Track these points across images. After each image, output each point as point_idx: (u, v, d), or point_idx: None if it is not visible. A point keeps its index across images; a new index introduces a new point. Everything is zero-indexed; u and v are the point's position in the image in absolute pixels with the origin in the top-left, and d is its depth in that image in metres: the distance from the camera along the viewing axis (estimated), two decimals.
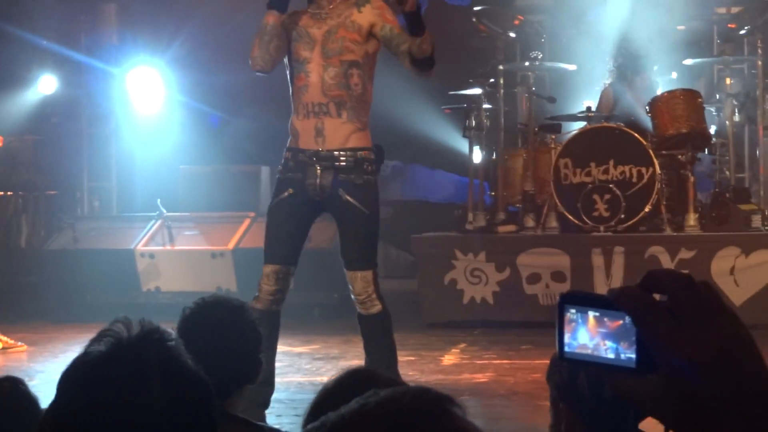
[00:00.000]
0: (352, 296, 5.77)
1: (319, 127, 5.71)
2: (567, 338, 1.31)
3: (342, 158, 5.72)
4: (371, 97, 5.83)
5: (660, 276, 1.29)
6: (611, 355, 1.29)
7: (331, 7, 5.74)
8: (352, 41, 5.70)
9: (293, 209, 5.77)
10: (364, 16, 5.67)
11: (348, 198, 5.70)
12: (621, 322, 1.28)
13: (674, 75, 11.12)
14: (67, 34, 12.59)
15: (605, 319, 1.29)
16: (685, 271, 1.29)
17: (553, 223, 9.92)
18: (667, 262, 9.25)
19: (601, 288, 9.30)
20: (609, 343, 1.29)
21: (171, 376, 1.75)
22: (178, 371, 1.77)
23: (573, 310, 1.31)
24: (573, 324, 1.30)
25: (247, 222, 11.05)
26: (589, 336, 1.30)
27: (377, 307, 5.74)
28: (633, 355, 1.27)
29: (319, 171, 5.72)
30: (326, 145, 5.73)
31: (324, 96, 5.70)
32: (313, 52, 5.72)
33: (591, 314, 1.30)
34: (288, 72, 5.84)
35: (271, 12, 5.66)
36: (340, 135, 5.72)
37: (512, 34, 11.01)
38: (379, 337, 5.74)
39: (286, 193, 5.77)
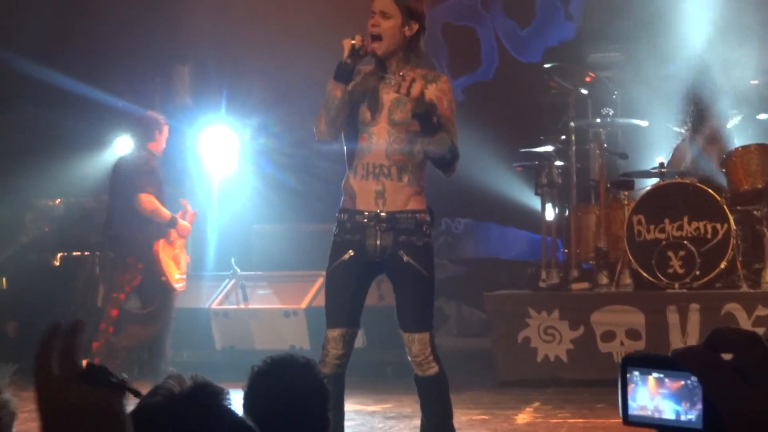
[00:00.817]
0: (409, 357, 5.76)
1: (380, 189, 5.71)
2: (628, 401, 1.30)
3: (403, 220, 5.72)
4: (428, 164, 5.85)
5: (726, 334, 1.27)
6: (672, 416, 1.27)
7: (402, 75, 5.73)
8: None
9: (354, 271, 5.76)
10: (431, 92, 5.69)
11: (409, 260, 5.70)
12: (682, 382, 1.27)
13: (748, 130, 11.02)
14: (142, 96, 12.79)
15: (666, 380, 1.28)
16: (753, 329, 1.27)
17: (627, 280, 9.84)
18: (743, 320, 9.12)
19: (677, 345, 9.21)
20: (671, 404, 1.27)
21: (222, 430, 1.76)
22: (231, 426, 1.78)
23: (636, 372, 1.30)
24: (633, 386, 1.29)
25: (320, 281, 11.07)
26: (649, 397, 1.28)
27: (434, 369, 5.73)
28: (693, 416, 1.26)
29: (379, 232, 5.72)
30: (387, 206, 5.72)
31: (387, 159, 5.71)
32: (379, 116, 5.74)
33: (652, 375, 1.29)
34: (349, 131, 5.82)
35: (338, 85, 5.67)
36: (400, 197, 5.72)
37: (584, 91, 11.00)
38: (435, 399, 5.74)
39: (346, 256, 5.74)
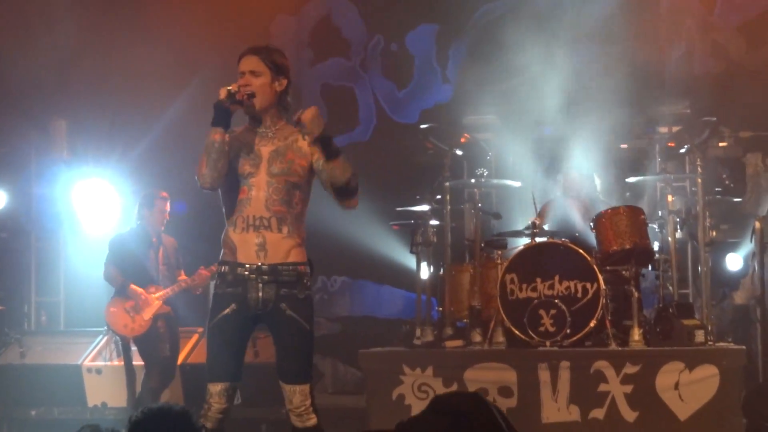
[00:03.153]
0: (288, 408, 5.79)
1: (261, 241, 5.76)
2: None
3: (284, 272, 5.76)
4: (305, 216, 5.92)
5: (449, 399, 1.39)
6: None
7: (277, 128, 5.89)
8: (300, 166, 5.82)
9: (236, 325, 5.77)
10: (307, 144, 5.82)
11: (291, 313, 5.74)
12: None
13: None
14: (18, 150, 12.65)
15: None
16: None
17: (500, 338, 9.98)
18: (612, 377, 9.31)
19: (548, 402, 9.36)
20: None
21: None
22: None
23: None
24: None
25: (195, 337, 11.05)
26: None
27: (313, 420, 5.81)
28: None
29: (261, 285, 5.75)
30: (268, 259, 5.76)
31: (267, 210, 5.77)
32: (258, 168, 5.81)
33: None
34: (227, 183, 5.86)
35: (217, 130, 5.74)
36: (281, 249, 5.77)
37: (458, 152, 11.18)
38: None
39: (228, 309, 5.77)
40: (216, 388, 5.74)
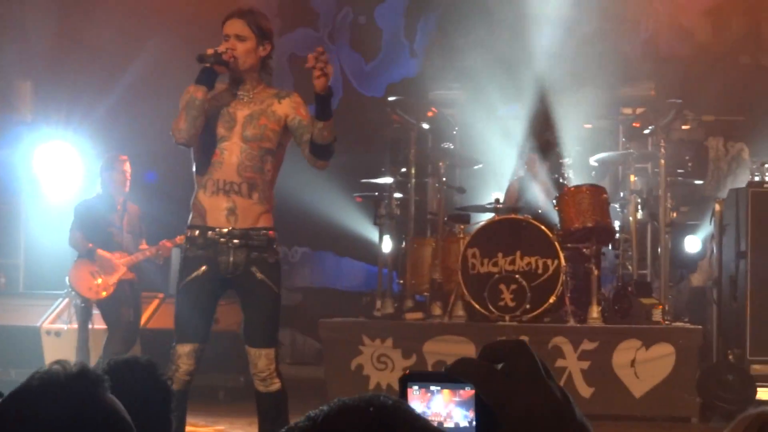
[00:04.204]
0: (253, 373, 5.80)
1: (231, 206, 5.77)
2: (420, 410, 1.42)
3: (255, 237, 5.78)
4: (275, 181, 5.93)
5: (495, 345, 1.43)
6: (463, 422, 1.41)
7: (255, 92, 5.87)
8: (272, 130, 5.82)
9: (206, 286, 5.79)
10: (283, 108, 5.83)
11: (262, 277, 5.77)
12: (471, 392, 1.41)
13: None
14: None
15: (459, 391, 1.41)
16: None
17: (460, 311, 10.05)
18: (569, 353, 9.40)
19: None
20: (460, 411, 1.41)
21: (99, 417, 1.82)
22: (107, 415, 1.84)
23: (416, 387, 1.42)
24: (428, 395, 1.42)
25: (155, 302, 11.03)
26: (443, 405, 1.41)
27: (277, 385, 5.81)
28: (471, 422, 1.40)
29: (232, 249, 5.77)
30: (238, 223, 5.78)
31: (238, 176, 5.77)
32: (232, 132, 5.81)
33: (439, 387, 1.42)
34: (199, 145, 5.86)
35: (200, 87, 5.72)
36: (251, 214, 5.79)
37: (425, 126, 11.22)
38: (275, 416, 5.77)
39: (199, 272, 5.77)
40: (185, 349, 5.75)
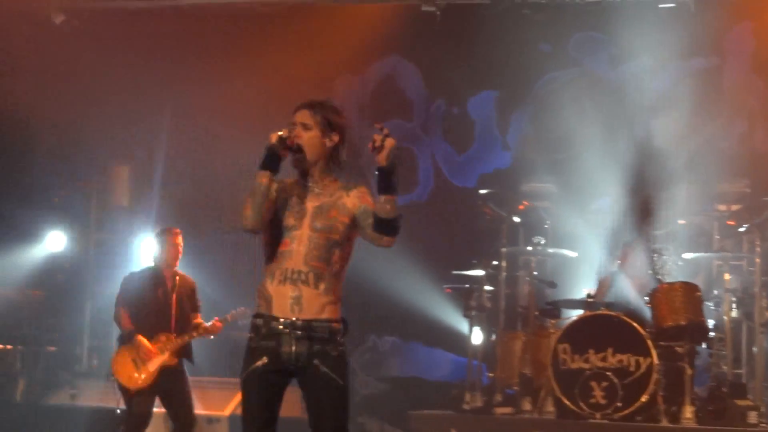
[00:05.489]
0: None
1: (297, 295, 5.74)
2: None
3: (318, 329, 5.72)
4: (344, 276, 5.93)
5: None
6: None
7: (324, 183, 5.92)
8: (342, 223, 5.86)
9: (268, 378, 5.69)
10: (351, 200, 5.87)
11: (325, 369, 5.73)
12: None
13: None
14: (79, 194, 12.82)
15: None
16: None
17: (550, 407, 9.96)
18: None
19: None
20: None
21: None
22: None
23: None
24: None
25: None
26: None
27: None
28: None
29: (294, 340, 5.70)
30: (303, 314, 5.75)
31: (305, 265, 5.77)
32: (302, 222, 5.85)
33: None
34: (264, 236, 5.86)
35: (264, 173, 5.78)
36: (316, 305, 5.73)
37: (516, 219, 11.21)
38: None
39: (260, 362, 5.67)
40: None
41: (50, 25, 13.33)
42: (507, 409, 10.21)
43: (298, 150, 5.83)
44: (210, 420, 10.72)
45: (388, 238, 5.80)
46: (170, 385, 9.44)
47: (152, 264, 9.68)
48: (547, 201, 12.24)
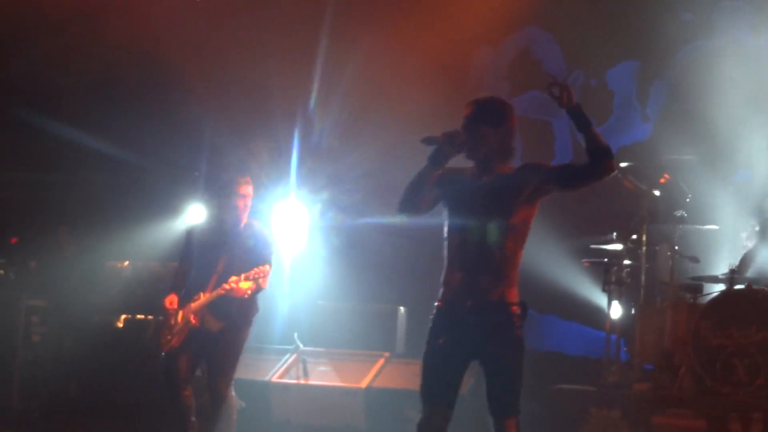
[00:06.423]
0: None
1: (476, 281, 5.93)
2: None
3: (497, 311, 5.91)
4: (521, 259, 6.01)
5: None
6: None
7: (497, 173, 6.04)
8: (515, 204, 5.95)
9: (447, 356, 5.98)
10: (523, 178, 5.96)
11: (504, 350, 5.89)
12: None
13: None
14: (219, 168, 12.98)
15: None
16: None
17: (690, 384, 9.78)
18: None
19: None
20: None
21: None
22: None
23: None
24: None
25: (381, 362, 11.12)
26: None
27: None
28: None
29: (471, 324, 5.92)
30: (483, 297, 5.93)
31: (481, 253, 5.96)
32: (474, 211, 5.97)
33: None
34: (446, 227, 6.10)
35: (431, 167, 5.95)
36: (495, 290, 5.95)
37: (657, 192, 11.02)
38: None
39: (440, 341, 5.99)
40: (429, 411, 5.94)
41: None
42: (645, 385, 10.07)
43: (465, 148, 6.00)
44: (346, 392, 10.79)
45: (607, 160, 6.01)
46: (201, 350, 8.61)
47: (212, 216, 8.87)
48: (689, 174, 12.01)
